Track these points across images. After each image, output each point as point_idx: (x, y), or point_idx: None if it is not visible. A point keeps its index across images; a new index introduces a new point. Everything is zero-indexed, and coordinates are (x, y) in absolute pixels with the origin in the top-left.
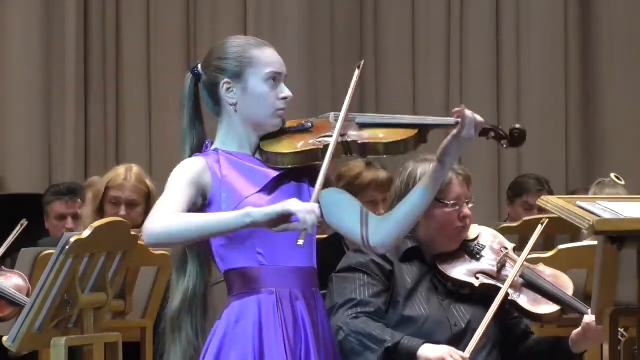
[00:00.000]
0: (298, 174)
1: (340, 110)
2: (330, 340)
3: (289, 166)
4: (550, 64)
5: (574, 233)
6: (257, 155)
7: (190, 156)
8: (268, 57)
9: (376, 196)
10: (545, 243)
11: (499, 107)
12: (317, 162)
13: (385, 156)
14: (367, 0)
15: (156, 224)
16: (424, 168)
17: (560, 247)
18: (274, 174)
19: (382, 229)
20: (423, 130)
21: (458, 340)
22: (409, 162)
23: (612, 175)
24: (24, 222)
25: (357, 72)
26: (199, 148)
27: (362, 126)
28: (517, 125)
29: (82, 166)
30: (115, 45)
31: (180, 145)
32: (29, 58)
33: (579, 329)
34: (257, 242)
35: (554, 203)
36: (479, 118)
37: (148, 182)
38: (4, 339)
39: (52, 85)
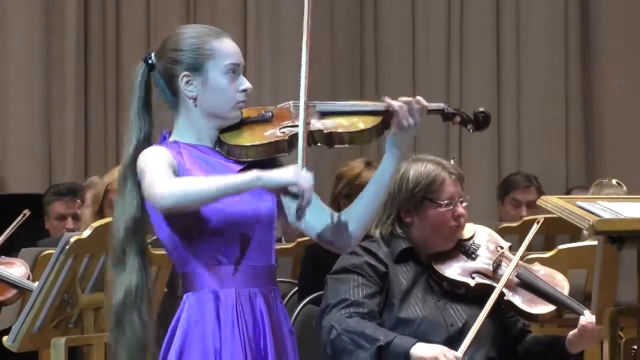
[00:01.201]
0: (258, 167)
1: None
2: (289, 340)
3: (253, 159)
4: (550, 63)
5: (574, 233)
6: (217, 148)
7: (137, 148)
8: (226, 48)
9: None
10: (545, 243)
11: (499, 106)
12: (281, 154)
13: (350, 145)
14: (367, 0)
15: (172, 187)
16: (416, 168)
17: (560, 247)
18: (236, 167)
19: (345, 231)
20: (386, 117)
21: (455, 340)
22: (402, 163)
23: (614, 181)
24: (26, 212)
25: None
26: (145, 140)
27: (324, 114)
28: (481, 109)
29: (82, 166)
30: (115, 45)
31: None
32: (29, 58)
33: (575, 330)
34: (217, 240)
35: (554, 203)
36: (423, 103)
37: None
38: (4, 338)
39: (52, 85)
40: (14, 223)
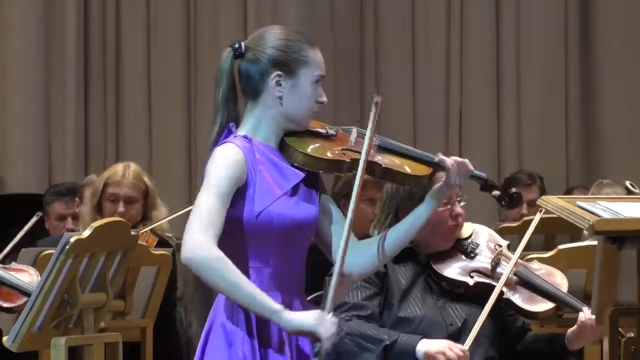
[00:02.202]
0: (307, 178)
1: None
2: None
3: (310, 169)
4: (550, 63)
5: (574, 233)
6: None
7: (220, 131)
8: (319, 59)
9: (374, 194)
10: (545, 243)
11: (499, 107)
12: (336, 174)
13: (398, 185)
14: (367, 1)
15: (200, 258)
16: None
17: (560, 247)
18: (300, 174)
19: (360, 259)
20: (435, 170)
21: (454, 339)
22: None
23: (627, 182)
24: (40, 214)
25: (374, 110)
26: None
27: (381, 149)
28: (515, 190)
29: (82, 166)
30: (115, 45)
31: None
32: (29, 57)
33: (575, 327)
34: (267, 243)
35: (554, 203)
36: (469, 167)
37: (146, 179)
38: (4, 338)
39: (52, 85)
40: (28, 225)
